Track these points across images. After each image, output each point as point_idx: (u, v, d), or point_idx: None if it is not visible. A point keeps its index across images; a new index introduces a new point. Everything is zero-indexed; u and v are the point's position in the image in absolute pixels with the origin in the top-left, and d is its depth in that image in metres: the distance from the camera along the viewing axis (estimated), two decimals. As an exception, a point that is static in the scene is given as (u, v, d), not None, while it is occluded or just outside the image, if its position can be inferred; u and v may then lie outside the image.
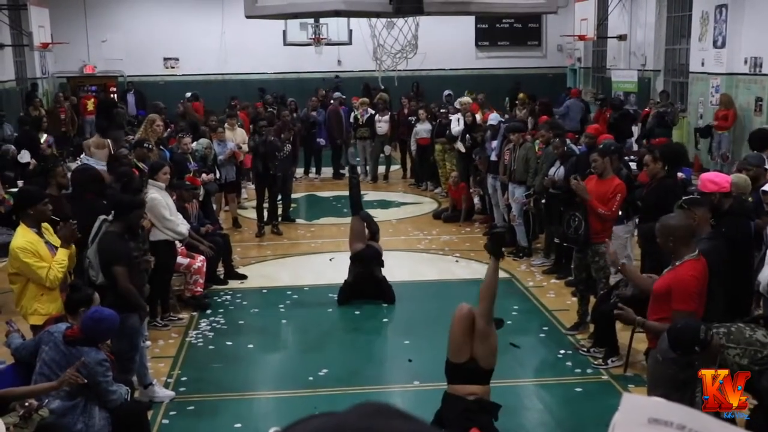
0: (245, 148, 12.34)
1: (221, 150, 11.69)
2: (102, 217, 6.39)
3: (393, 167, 16.60)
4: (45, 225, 5.99)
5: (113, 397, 4.98)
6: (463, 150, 12.19)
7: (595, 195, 7.33)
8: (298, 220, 12.86)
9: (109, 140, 11.39)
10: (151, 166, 8.37)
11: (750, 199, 6.67)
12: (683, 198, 6.10)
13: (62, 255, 5.78)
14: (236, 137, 12.55)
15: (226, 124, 12.73)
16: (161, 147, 10.33)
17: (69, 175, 8.06)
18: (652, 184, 7.59)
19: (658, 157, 7.63)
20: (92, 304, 5.39)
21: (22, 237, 5.76)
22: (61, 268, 5.73)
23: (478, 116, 12.85)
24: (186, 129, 11.66)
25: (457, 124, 12.57)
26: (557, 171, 9.19)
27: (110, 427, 4.99)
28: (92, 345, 4.93)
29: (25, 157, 11.76)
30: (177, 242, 8.15)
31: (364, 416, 1.03)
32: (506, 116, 13.97)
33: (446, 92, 15.98)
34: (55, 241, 5.95)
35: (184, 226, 7.96)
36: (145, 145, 9.43)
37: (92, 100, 20.75)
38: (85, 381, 4.76)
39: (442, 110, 14.07)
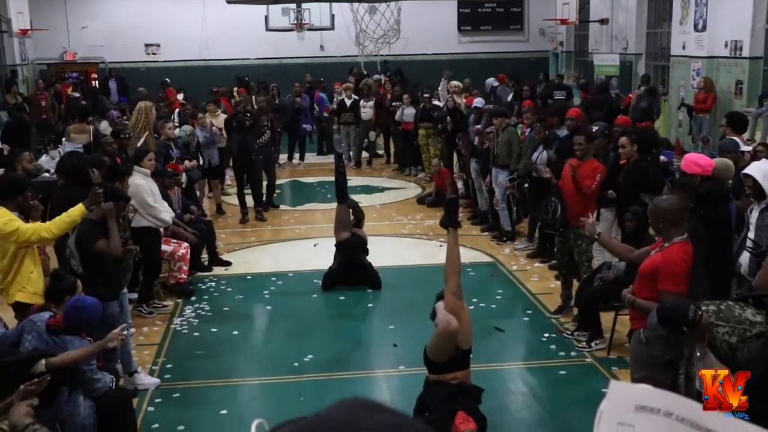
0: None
1: (203, 135, 11.63)
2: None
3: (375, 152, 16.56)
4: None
5: (98, 385, 4.94)
6: (449, 128, 12.17)
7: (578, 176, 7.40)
8: (282, 206, 12.81)
9: (91, 126, 11.31)
10: (135, 152, 8.28)
11: (731, 182, 6.71)
12: (673, 179, 6.11)
13: (76, 211, 5.67)
14: (218, 123, 12.46)
15: (208, 111, 12.63)
16: (156, 134, 10.16)
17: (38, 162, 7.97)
18: (628, 168, 7.63)
19: (634, 140, 7.67)
20: (75, 292, 5.34)
21: (3, 216, 5.64)
22: (67, 221, 5.63)
23: (461, 100, 12.85)
24: (167, 116, 11.58)
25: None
26: (540, 155, 9.18)
27: (96, 415, 4.95)
28: (75, 334, 4.89)
29: None
30: (161, 229, 8.08)
31: (348, 411, 1.03)
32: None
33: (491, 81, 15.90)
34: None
35: (167, 214, 7.90)
36: (122, 135, 9.26)
37: (70, 88, 20.53)
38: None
39: (425, 95, 14.03)
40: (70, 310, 4.93)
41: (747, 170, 6.17)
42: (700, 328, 4.01)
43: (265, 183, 12.17)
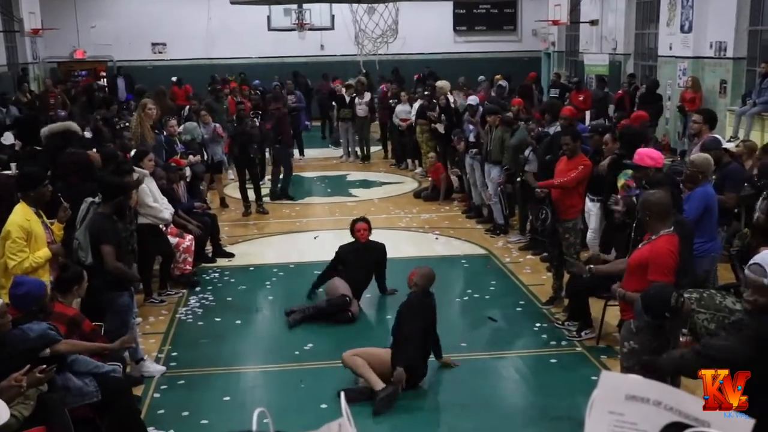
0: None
1: (207, 131, 11.68)
2: (89, 199, 6.27)
3: (374, 148, 16.52)
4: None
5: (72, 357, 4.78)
6: (441, 131, 12.16)
7: (564, 173, 7.43)
8: (283, 200, 12.76)
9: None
10: (135, 153, 8.24)
11: (714, 177, 6.72)
12: (645, 181, 6.14)
13: (44, 254, 5.60)
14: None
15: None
16: (156, 131, 10.13)
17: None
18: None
19: (617, 138, 7.75)
20: (82, 282, 5.30)
21: (22, 214, 5.61)
22: (35, 264, 5.51)
23: (454, 98, 12.84)
24: (177, 112, 11.59)
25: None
26: (531, 151, 9.18)
27: (97, 388, 4.81)
28: (30, 320, 4.65)
29: (8, 139, 11.57)
30: (162, 226, 8.05)
31: None
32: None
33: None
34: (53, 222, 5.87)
35: (167, 212, 7.88)
36: (125, 133, 9.24)
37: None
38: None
39: (425, 92, 13.95)
40: (12, 297, 4.78)
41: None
42: (682, 315, 4.04)
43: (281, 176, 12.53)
